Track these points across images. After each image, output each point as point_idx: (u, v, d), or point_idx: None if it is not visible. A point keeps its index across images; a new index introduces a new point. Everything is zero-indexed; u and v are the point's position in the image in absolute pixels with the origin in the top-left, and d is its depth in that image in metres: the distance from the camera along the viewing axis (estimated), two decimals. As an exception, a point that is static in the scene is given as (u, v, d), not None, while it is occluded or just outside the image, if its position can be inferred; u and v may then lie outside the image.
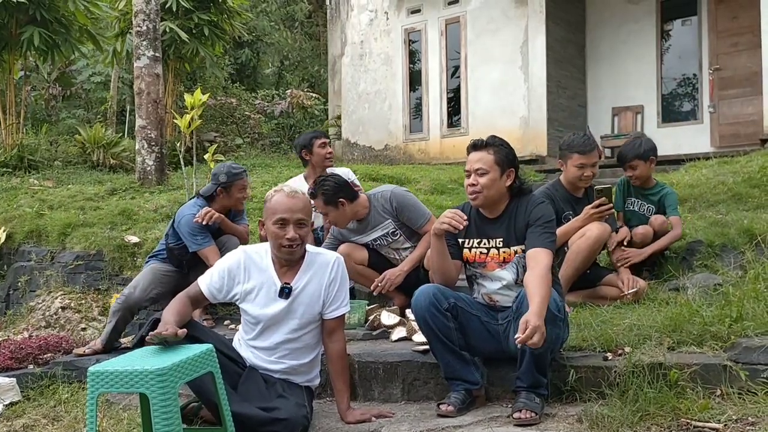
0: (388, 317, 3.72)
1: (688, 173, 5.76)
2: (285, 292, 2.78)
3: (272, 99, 14.88)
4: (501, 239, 2.91)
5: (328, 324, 2.87)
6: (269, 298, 2.79)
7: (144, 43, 7.11)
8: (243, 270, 2.81)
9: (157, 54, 7.22)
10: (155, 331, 2.47)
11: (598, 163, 3.84)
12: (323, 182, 3.77)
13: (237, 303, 2.88)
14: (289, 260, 2.80)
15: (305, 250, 2.87)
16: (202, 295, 2.81)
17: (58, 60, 9.99)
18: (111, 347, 4.20)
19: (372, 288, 3.84)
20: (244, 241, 4.29)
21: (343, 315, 2.91)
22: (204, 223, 4.10)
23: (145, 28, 7.09)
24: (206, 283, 2.82)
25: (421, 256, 3.80)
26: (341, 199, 3.74)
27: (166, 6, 9.68)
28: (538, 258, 2.71)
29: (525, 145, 9.44)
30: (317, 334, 2.90)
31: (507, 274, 2.91)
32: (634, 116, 9.81)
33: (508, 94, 9.82)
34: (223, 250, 4.08)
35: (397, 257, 3.94)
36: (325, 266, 2.86)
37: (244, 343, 2.91)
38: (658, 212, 4.10)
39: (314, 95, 14.06)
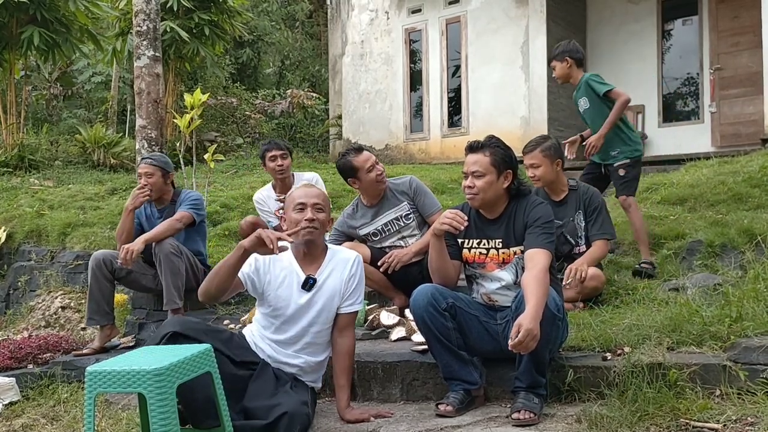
0: (387, 317, 3.71)
1: (688, 173, 5.74)
2: (309, 283, 2.82)
3: (273, 99, 14.87)
4: (500, 240, 2.91)
5: (342, 319, 2.89)
6: (292, 290, 2.82)
7: (144, 42, 7.10)
8: (267, 263, 2.85)
9: (157, 54, 7.22)
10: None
11: (539, 164, 3.80)
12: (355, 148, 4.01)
13: (261, 297, 2.86)
14: (309, 243, 2.84)
15: (326, 245, 2.94)
16: (239, 282, 2.79)
17: (59, 59, 10.00)
18: (95, 323, 4.19)
19: (380, 265, 3.83)
20: (173, 229, 4.18)
21: (356, 312, 2.95)
22: (125, 265, 4.05)
23: (145, 27, 7.09)
24: (242, 272, 2.80)
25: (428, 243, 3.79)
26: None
27: (168, 5, 9.68)
28: (536, 259, 2.70)
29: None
30: (330, 331, 2.91)
31: (506, 275, 2.91)
32: (634, 116, 9.78)
33: (509, 93, 9.80)
34: (156, 257, 4.10)
35: (404, 245, 3.92)
36: (346, 262, 2.92)
37: (260, 336, 2.89)
38: (592, 100, 4.37)
39: (315, 95, 14.05)
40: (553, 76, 4.60)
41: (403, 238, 3.93)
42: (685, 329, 2.90)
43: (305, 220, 2.81)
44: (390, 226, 3.93)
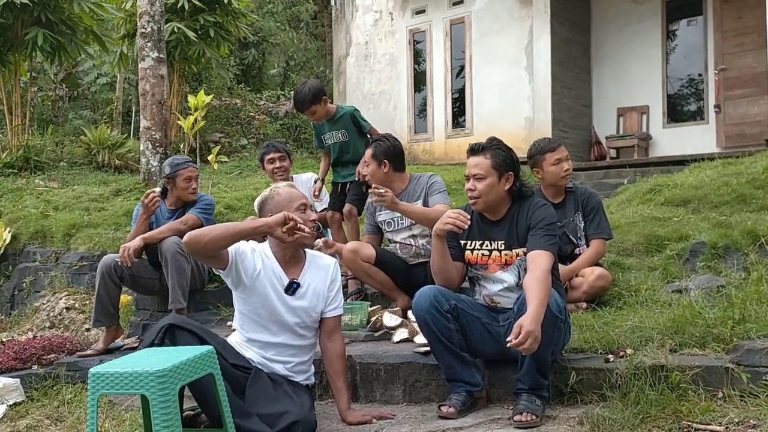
0: (390, 318, 3.71)
1: (692, 174, 5.72)
2: (293, 288, 2.82)
3: (277, 99, 14.90)
4: (503, 241, 2.91)
5: (329, 323, 2.91)
6: (277, 293, 2.81)
7: (149, 44, 7.13)
8: (259, 256, 2.81)
9: (161, 55, 7.24)
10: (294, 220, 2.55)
11: (569, 158, 3.83)
12: (381, 139, 3.99)
13: (244, 291, 2.81)
14: (303, 246, 2.85)
15: (305, 250, 2.94)
16: (225, 252, 2.71)
17: (65, 61, 10.03)
18: (101, 325, 4.22)
19: (371, 191, 3.75)
20: (176, 231, 4.16)
21: (341, 316, 2.98)
22: (124, 263, 4.04)
23: (149, 29, 7.11)
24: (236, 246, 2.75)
25: (422, 214, 3.71)
26: (386, 161, 3.89)
27: (178, 5, 9.71)
28: (539, 260, 2.70)
29: (530, 145, 9.41)
30: (316, 334, 2.94)
31: (509, 276, 2.91)
32: (639, 116, 9.78)
33: (513, 94, 9.81)
34: (162, 257, 4.10)
35: (413, 244, 3.91)
36: (327, 267, 2.96)
37: (246, 341, 2.88)
38: (352, 133, 4.54)
39: (319, 96, 14.05)
40: (313, 119, 4.59)
41: (413, 236, 3.91)
42: (688, 331, 2.89)
43: (311, 220, 2.83)
44: (404, 219, 3.91)
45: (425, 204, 3.86)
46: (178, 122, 7.16)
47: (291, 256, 2.87)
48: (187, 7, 9.81)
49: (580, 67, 10.05)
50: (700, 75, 9.46)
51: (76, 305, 5.30)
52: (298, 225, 2.62)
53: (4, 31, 8.94)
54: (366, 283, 4.14)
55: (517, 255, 2.88)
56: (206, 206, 4.40)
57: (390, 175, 3.92)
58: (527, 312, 2.49)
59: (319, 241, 3.55)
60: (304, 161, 11.07)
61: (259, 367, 2.82)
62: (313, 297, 2.86)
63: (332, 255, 3.33)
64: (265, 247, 2.89)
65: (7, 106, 9.39)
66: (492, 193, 2.87)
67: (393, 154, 3.93)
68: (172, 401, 2.27)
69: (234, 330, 3.05)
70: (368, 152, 3.94)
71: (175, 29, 9.59)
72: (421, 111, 11.02)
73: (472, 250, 2.98)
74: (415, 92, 11.07)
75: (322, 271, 2.92)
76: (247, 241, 2.82)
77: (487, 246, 2.95)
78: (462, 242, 3.00)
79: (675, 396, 2.56)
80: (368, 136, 4.54)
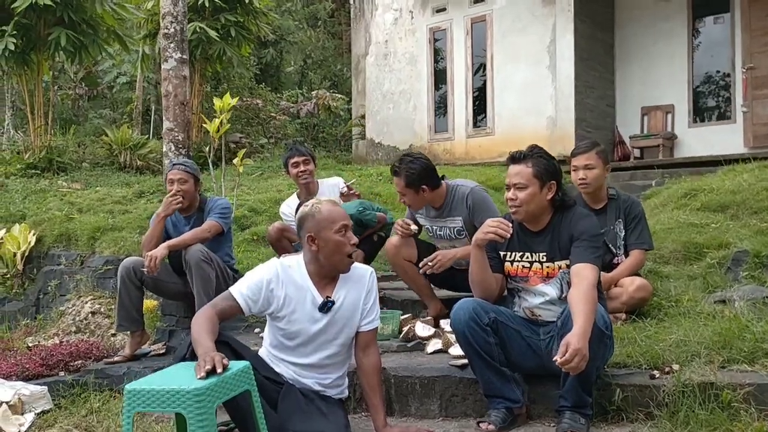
0: (422, 329, 3.63)
1: (727, 178, 5.57)
2: (328, 306, 2.70)
3: (297, 99, 14.87)
4: (544, 253, 2.81)
5: (364, 337, 2.79)
6: (309, 313, 2.70)
7: (171, 45, 7.08)
8: (280, 283, 2.69)
9: (184, 56, 7.19)
10: (202, 368, 2.29)
11: (594, 166, 3.58)
12: (411, 163, 3.65)
13: (271, 317, 2.75)
14: (344, 271, 2.74)
15: None
16: (237, 307, 2.65)
17: (86, 60, 10.05)
18: (125, 329, 4.23)
19: (421, 265, 3.64)
20: (201, 239, 4.10)
21: (377, 328, 2.85)
22: (150, 273, 3.96)
23: (172, 30, 7.06)
24: (241, 293, 2.65)
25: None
26: (424, 186, 3.66)
27: (199, 3, 9.67)
28: (583, 274, 2.61)
29: (552, 145, 9.26)
30: (350, 347, 2.83)
31: (550, 290, 2.81)
32: (664, 116, 9.62)
33: (535, 93, 9.67)
34: (186, 264, 4.01)
35: None
36: (362, 278, 2.80)
37: (276, 359, 2.79)
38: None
39: (340, 96, 14.01)
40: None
41: (453, 247, 3.78)
42: (736, 346, 2.79)
43: (351, 244, 2.68)
44: (443, 232, 3.82)
45: (468, 222, 3.69)
46: (202, 124, 7.13)
47: (327, 274, 2.74)
48: (207, 4, 9.78)
49: (603, 65, 9.90)
50: (726, 73, 9.28)
51: (102, 309, 5.27)
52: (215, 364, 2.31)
53: (28, 31, 8.96)
54: (402, 280, 4.03)
55: (560, 267, 2.78)
56: (223, 210, 4.33)
57: (430, 196, 3.71)
58: (574, 329, 2.40)
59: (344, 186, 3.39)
60: (324, 161, 11.02)
61: (291, 382, 2.74)
62: (348, 311, 2.74)
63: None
64: (294, 264, 2.75)
65: (29, 106, 9.41)
66: (534, 202, 2.78)
67: (428, 176, 3.66)
68: (210, 420, 2.22)
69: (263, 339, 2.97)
70: (400, 183, 3.66)
71: (197, 29, 9.57)
72: (441, 110, 10.92)
73: (512, 262, 2.89)
74: (435, 91, 10.97)
75: (357, 282, 2.78)
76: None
77: (527, 258, 2.86)
78: (502, 253, 2.91)
79: (726, 416, 2.47)
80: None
